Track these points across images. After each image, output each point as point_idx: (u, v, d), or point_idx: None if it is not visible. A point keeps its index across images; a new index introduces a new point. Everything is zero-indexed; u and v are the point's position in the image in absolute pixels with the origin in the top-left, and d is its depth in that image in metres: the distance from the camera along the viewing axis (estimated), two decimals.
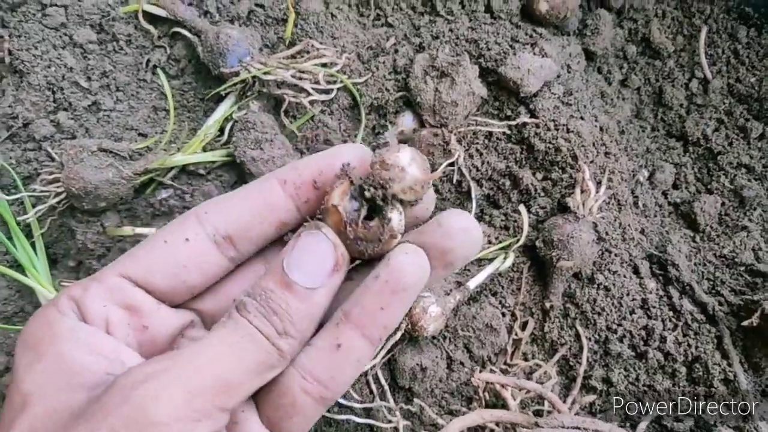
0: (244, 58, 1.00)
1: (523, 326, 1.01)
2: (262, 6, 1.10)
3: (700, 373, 0.95)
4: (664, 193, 1.11)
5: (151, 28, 1.07)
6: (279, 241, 0.68)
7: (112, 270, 0.63)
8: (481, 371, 0.99)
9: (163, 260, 0.64)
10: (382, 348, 0.94)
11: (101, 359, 0.58)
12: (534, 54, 1.00)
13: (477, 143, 1.04)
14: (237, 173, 1.03)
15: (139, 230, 0.97)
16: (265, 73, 0.98)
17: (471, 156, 1.05)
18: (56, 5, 1.09)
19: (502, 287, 1.03)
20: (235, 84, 1.00)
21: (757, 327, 0.90)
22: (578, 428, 0.81)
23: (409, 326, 0.92)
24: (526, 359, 1.01)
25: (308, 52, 1.02)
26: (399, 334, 0.93)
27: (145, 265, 0.64)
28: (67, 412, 0.54)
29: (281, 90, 1.00)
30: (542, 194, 1.03)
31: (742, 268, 1.02)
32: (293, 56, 1.01)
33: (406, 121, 1.04)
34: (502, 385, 0.87)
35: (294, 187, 0.64)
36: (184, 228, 0.65)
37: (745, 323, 0.90)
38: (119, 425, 0.51)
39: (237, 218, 0.65)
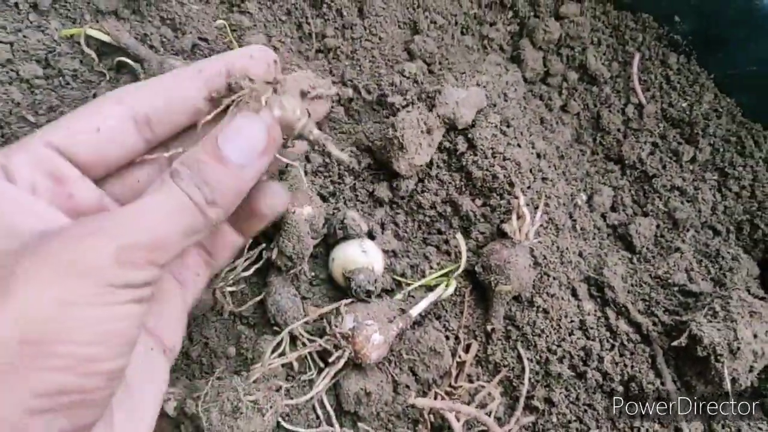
0: None
1: (467, 349, 1.04)
2: (206, 40, 1.11)
3: (636, 391, 0.98)
4: (603, 216, 1.15)
5: (92, 53, 1.08)
6: (192, 128, 0.74)
7: (38, 139, 0.67)
8: (425, 394, 1.01)
9: (87, 132, 0.69)
10: (326, 375, 0.96)
11: (33, 217, 0.63)
12: (458, 87, 1.03)
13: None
14: None
15: None
16: None
17: (421, 181, 1.08)
18: (2, 42, 1.09)
19: (446, 311, 1.05)
20: None
21: (686, 347, 0.93)
22: None
23: (353, 354, 0.94)
24: (471, 381, 1.03)
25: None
26: (342, 362, 0.94)
27: (70, 136, 0.68)
28: (4, 254, 0.58)
29: None
30: (482, 220, 1.05)
31: (676, 289, 1.05)
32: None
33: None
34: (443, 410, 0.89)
35: (208, 77, 0.72)
36: (106, 106, 0.70)
37: (675, 343, 0.93)
38: (60, 267, 0.56)
39: (155, 101, 0.71)
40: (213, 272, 0.88)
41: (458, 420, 0.95)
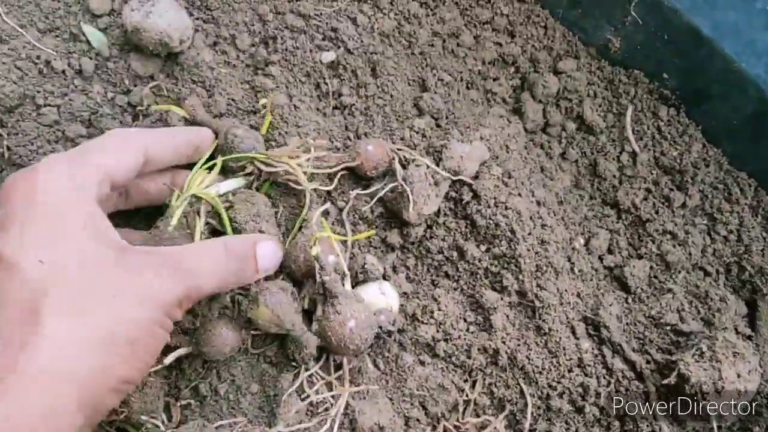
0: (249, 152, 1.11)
1: (473, 385, 1.12)
2: (233, 100, 1.23)
3: (631, 426, 1.05)
4: (600, 258, 1.23)
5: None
6: None
7: (91, 161, 0.89)
8: (435, 428, 1.09)
9: (129, 161, 0.93)
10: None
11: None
12: (462, 141, 1.13)
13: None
14: None
15: None
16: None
17: (429, 227, 1.17)
18: (50, 105, 1.20)
19: (455, 347, 1.13)
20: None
21: (676, 385, 1.01)
22: None
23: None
24: (477, 415, 1.11)
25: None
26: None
27: (117, 162, 0.91)
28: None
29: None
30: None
31: (668, 328, 1.12)
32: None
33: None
34: None
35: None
36: (132, 139, 0.98)
37: (665, 381, 1.01)
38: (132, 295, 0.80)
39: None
40: None
41: None
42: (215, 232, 1.05)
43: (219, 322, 1.03)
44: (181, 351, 1.04)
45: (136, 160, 0.91)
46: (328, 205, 1.14)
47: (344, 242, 1.14)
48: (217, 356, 1.03)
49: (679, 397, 1.01)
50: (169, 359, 1.03)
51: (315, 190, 1.12)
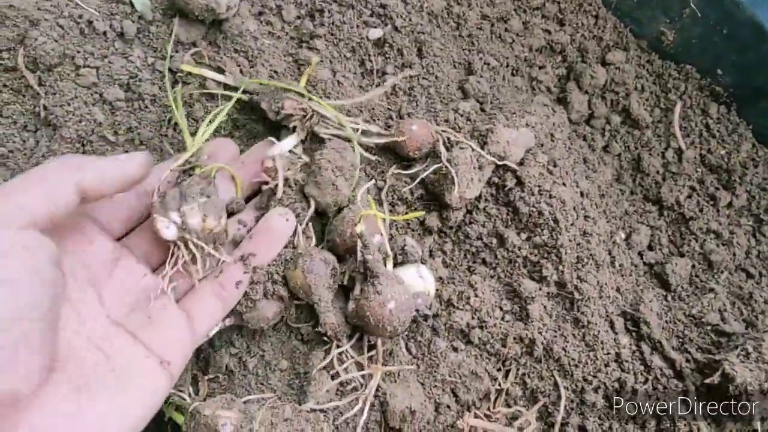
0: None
1: (506, 375, 1.10)
2: (276, 72, 1.20)
3: (668, 425, 1.03)
4: (640, 254, 1.21)
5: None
6: None
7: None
8: (464, 415, 1.07)
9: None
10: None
11: None
12: (508, 127, 1.10)
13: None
14: None
15: None
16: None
17: (469, 212, 1.15)
18: (89, 66, 1.19)
19: (491, 335, 1.11)
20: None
21: (719, 385, 0.98)
22: None
23: None
24: (508, 405, 1.09)
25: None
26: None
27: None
28: None
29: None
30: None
31: (709, 328, 1.10)
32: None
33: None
34: (485, 430, 0.95)
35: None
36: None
37: (707, 381, 0.99)
38: None
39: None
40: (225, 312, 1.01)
41: None
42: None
43: None
44: (227, 322, 1.02)
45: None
46: (372, 182, 1.12)
47: (383, 222, 1.12)
48: (260, 324, 1.01)
49: (721, 398, 0.99)
50: (213, 330, 1.01)
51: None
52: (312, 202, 1.06)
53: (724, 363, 0.97)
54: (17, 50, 1.15)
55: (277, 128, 1.15)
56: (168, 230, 0.94)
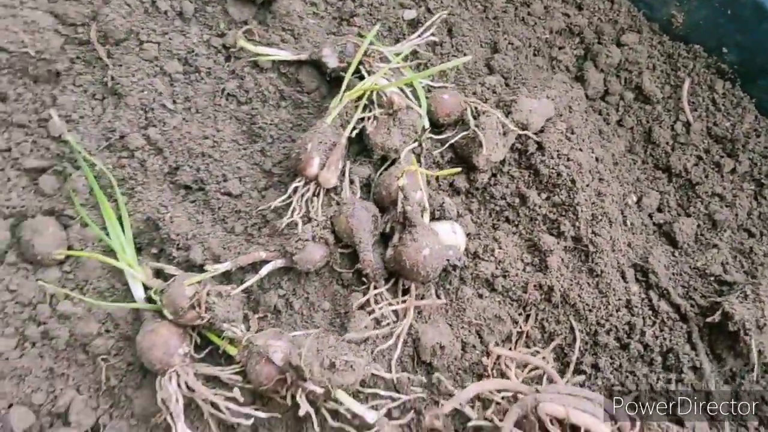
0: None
1: (526, 319, 1.21)
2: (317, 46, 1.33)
3: (673, 362, 1.14)
4: (650, 215, 1.32)
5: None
6: None
7: None
8: (488, 355, 1.18)
9: None
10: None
11: None
12: (530, 98, 1.22)
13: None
14: None
15: None
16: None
17: (494, 175, 1.27)
18: (151, 42, 1.31)
19: (513, 283, 1.22)
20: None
21: (719, 324, 1.09)
22: (571, 395, 1.00)
23: None
24: (527, 346, 1.20)
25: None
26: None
27: None
28: None
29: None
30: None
31: (712, 278, 1.21)
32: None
33: None
34: (511, 360, 1.07)
35: None
36: None
37: (709, 320, 1.10)
38: None
39: None
40: None
41: (517, 378, 1.13)
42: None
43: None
44: (277, 263, 1.15)
45: None
46: (416, 144, 1.24)
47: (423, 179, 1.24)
48: (307, 266, 1.14)
49: (722, 336, 1.10)
50: (266, 269, 1.14)
51: None
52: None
53: (724, 303, 1.08)
54: (90, 25, 1.29)
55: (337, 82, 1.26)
56: None
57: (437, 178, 1.27)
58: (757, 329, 1.04)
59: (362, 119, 1.22)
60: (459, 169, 1.20)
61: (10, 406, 1.14)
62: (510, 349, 1.19)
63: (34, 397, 1.15)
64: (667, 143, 1.37)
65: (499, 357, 1.09)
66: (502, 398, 1.09)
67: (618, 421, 0.95)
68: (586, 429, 0.91)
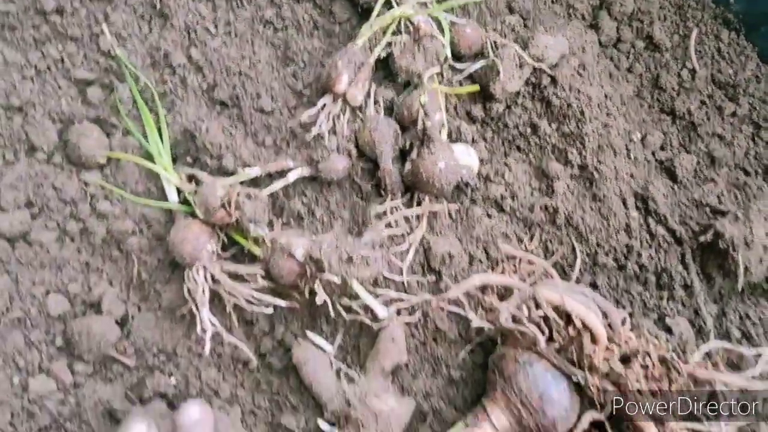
0: None
1: (531, 238, 1.30)
2: None
3: (666, 281, 1.22)
4: (653, 153, 1.40)
5: None
6: None
7: None
8: (493, 270, 1.27)
9: None
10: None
11: None
12: (546, 34, 1.31)
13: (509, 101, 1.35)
14: None
15: None
16: None
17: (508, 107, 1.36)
18: None
19: (520, 204, 1.31)
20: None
21: (711, 244, 1.18)
22: (568, 291, 1.09)
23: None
24: (531, 263, 1.29)
25: None
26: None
27: None
28: None
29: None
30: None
31: (707, 208, 1.29)
32: None
33: None
34: (519, 260, 1.15)
35: None
36: None
37: (702, 239, 1.18)
38: None
39: None
40: None
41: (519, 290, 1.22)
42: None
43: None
44: (304, 171, 1.25)
45: None
46: (438, 68, 1.33)
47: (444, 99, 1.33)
48: (331, 175, 1.23)
49: (712, 256, 1.18)
50: (293, 175, 1.24)
51: None
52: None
53: (715, 223, 1.17)
54: None
55: (367, 14, 1.35)
56: None
57: (456, 107, 1.36)
58: (745, 245, 1.13)
59: (390, 44, 1.31)
60: (477, 87, 1.28)
61: (48, 293, 1.24)
62: (514, 266, 1.28)
63: (70, 286, 1.24)
64: (673, 89, 1.45)
65: (503, 262, 1.18)
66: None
67: (610, 318, 1.04)
68: (578, 316, 0.99)
